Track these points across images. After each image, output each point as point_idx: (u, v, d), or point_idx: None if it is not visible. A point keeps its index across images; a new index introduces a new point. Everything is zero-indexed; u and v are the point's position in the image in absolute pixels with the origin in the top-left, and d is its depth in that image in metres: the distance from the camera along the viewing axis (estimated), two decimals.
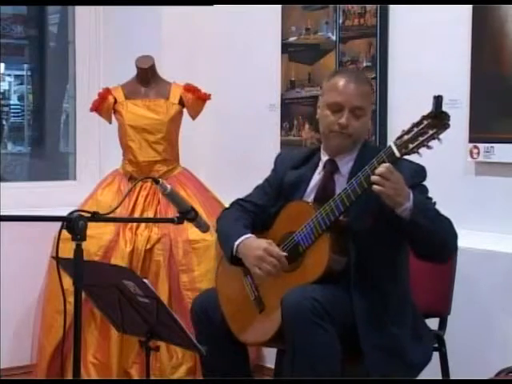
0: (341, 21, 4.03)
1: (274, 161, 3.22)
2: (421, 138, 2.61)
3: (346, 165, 2.99)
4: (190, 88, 4.30)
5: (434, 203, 2.89)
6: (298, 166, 3.10)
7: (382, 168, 2.66)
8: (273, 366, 3.39)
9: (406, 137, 2.64)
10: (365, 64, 3.92)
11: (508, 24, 3.37)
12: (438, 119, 2.59)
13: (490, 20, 3.42)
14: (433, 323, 3.14)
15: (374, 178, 2.67)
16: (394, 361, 2.83)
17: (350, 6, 3.99)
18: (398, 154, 2.65)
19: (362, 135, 3.01)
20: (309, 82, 4.23)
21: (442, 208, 2.88)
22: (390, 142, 2.67)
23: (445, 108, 3.59)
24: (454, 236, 2.83)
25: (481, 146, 3.49)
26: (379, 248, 2.86)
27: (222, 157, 4.73)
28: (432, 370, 3.05)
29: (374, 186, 2.66)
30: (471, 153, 3.53)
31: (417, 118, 2.65)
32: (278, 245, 2.94)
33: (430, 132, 2.60)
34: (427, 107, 3.66)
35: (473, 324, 3.39)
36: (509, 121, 3.39)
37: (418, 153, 2.65)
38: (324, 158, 3.03)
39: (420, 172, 2.90)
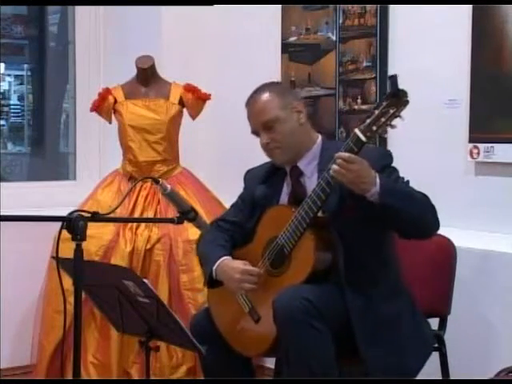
0: (341, 21, 4.03)
1: (243, 179, 3.24)
2: (383, 119, 2.64)
3: (308, 166, 3.00)
4: (190, 88, 4.30)
5: (407, 182, 2.89)
6: (265, 180, 3.12)
7: (340, 157, 2.67)
8: (273, 366, 3.39)
9: (368, 120, 2.67)
10: (365, 64, 3.92)
11: (508, 24, 3.37)
12: (396, 98, 2.63)
13: (490, 20, 3.42)
14: (433, 323, 3.14)
15: (333, 167, 2.68)
16: (392, 356, 2.82)
17: (350, 5, 3.98)
18: (363, 138, 2.66)
19: (294, 137, 2.98)
20: (309, 82, 4.22)
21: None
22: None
23: (445, 108, 3.63)
24: (432, 210, 2.81)
25: (481, 146, 3.49)
26: (363, 237, 2.86)
27: (222, 157, 4.73)
28: (432, 370, 3.05)
29: (335, 175, 2.68)
30: (471, 153, 3.53)
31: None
32: (264, 252, 2.95)
33: (391, 111, 2.63)
34: (427, 107, 3.68)
35: (473, 324, 3.39)
36: (509, 121, 3.39)
37: (382, 134, 2.69)
38: (287, 167, 3.05)
39: (386, 155, 2.94)
